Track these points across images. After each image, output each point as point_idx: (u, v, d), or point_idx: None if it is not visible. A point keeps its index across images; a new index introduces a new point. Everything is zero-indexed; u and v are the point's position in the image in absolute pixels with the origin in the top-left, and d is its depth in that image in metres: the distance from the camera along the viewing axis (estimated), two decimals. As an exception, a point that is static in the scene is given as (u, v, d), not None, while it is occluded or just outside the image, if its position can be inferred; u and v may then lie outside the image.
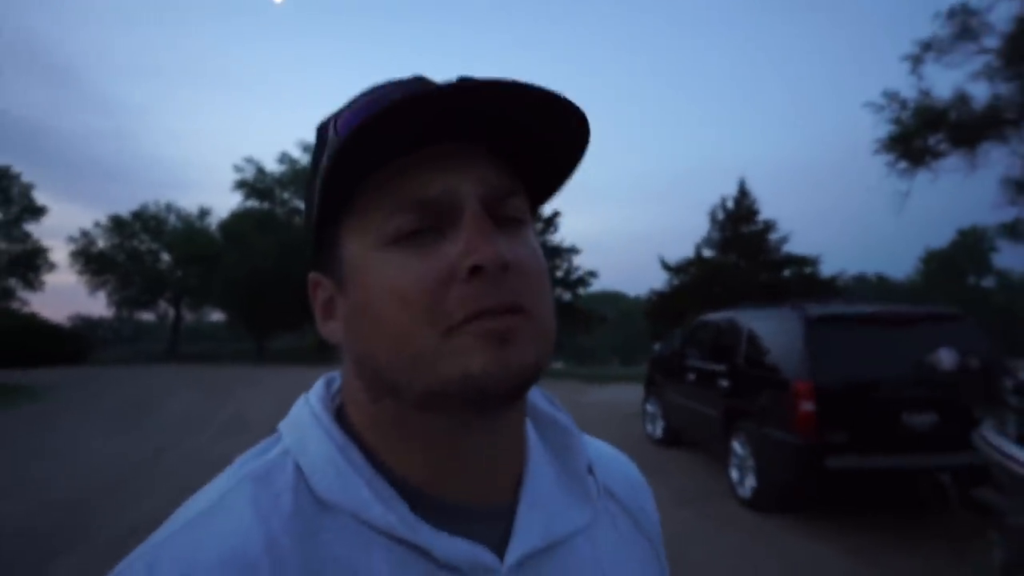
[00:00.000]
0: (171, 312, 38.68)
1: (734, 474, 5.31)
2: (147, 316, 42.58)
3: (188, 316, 41.67)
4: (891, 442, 4.43)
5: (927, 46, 14.79)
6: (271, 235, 30.11)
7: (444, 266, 0.41)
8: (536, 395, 0.54)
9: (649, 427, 7.89)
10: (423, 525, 0.42)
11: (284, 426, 0.48)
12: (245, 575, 0.38)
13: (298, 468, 0.44)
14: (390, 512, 0.42)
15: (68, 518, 4.81)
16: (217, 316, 42.46)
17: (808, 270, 20.09)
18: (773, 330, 5.28)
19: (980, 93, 15.21)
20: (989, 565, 3.14)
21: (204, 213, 38.41)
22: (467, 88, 0.39)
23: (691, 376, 6.54)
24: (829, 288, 18.77)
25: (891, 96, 15.45)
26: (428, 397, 0.41)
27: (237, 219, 33.30)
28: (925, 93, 15.26)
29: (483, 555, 0.43)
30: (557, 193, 0.50)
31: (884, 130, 15.56)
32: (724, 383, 5.70)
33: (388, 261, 0.42)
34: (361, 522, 0.42)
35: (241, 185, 33.67)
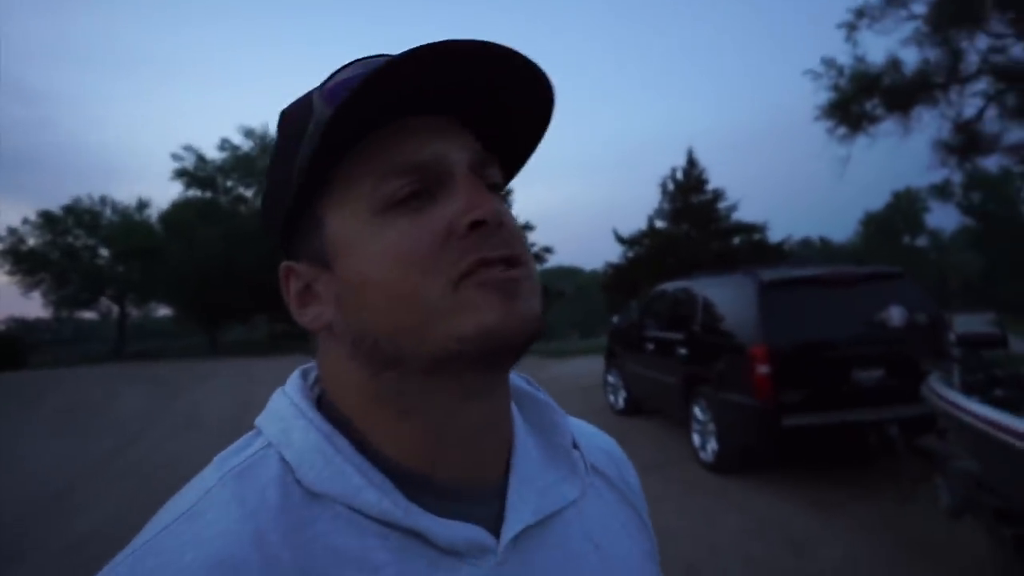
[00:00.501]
0: (115, 310, 37.08)
1: (696, 439, 5.44)
2: (89, 315, 40.75)
3: (134, 313, 40.05)
4: (843, 398, 4.61)
5: (860, 13, 15.21)
6: (215, 225, 29.07)
7: (442, 225, 0.41)
8: (513, 376, 0.54)
9: (611, 398, 8.02)
10: (417, 509, 0.42)
11: (262, 420, 0.46)
12: (235, 573, 0.37)
13: (283, 461, 0.43)
14: (384, 498, 0.41)
15: (5, 533, 4.57)
16: (164, 311, 41.01)
17: (756, 237, 20.65)
18: (727, 297, 5.39)
19: (911, 58, 15.79)
20: (936, 507, 3.32)
21: (143, 205, 36.69)
22: (461, 43, 0.39)
23: (650, 346, 6.65)
24: (777, 253, 19.37)
25: (829, 63, 15.88)
26: (442, 357, 0.41)
27: (179, 209, 31.98)
28: (860, 59, 15.74)
29: (480, 535, 0.43)
30: (522, 167, 0.52)
31: (823, 97, 16.02)
32: (682, 351, 5.81)
33: (383, 227, 0.42)
34: (354, 510, 0.41)
35: (181, 174, 32.23)
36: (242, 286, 28.28)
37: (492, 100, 0.45)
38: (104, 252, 35.98)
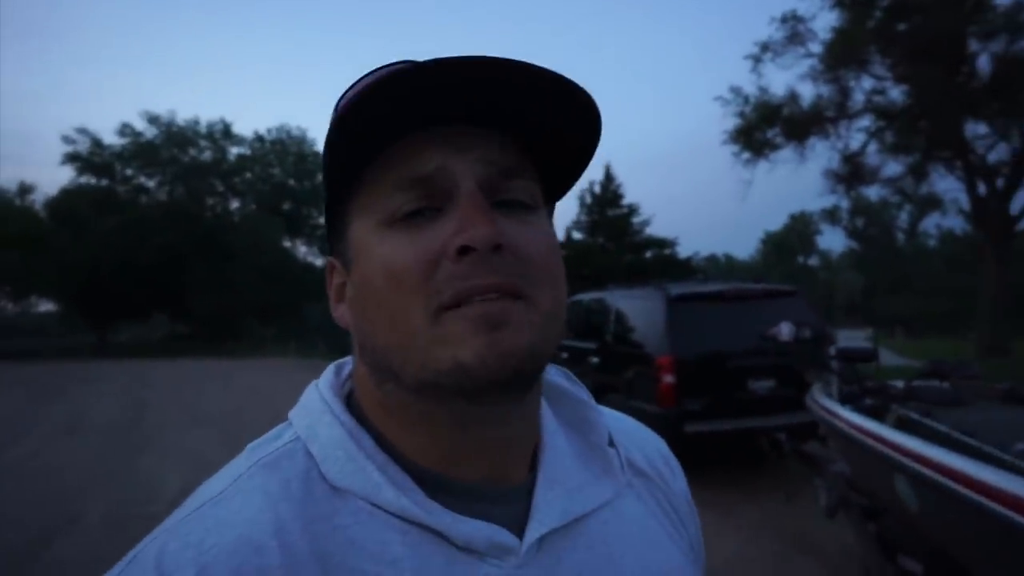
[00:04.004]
0: (-15, 304, 33.56)
1: (605, 444, 5.65)
2: (-47, 309, 36.60)
3: (8, 307, 36.42)
4: (739, 406, 4.97)
5: (765, 47, 16.33)
6: (113, 215, 27.02)
7: (436, 245, 0.40)
8: (551, 370, 0.54)
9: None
10: (438, 508, 0.42)
11: (294, 413, 0.48)
12: (254, 559, 0.38)
13: (309, 455, 0.44)
14: (403, 496, 0.41)
15: None
16: (47, 306, 37.56)
17: (667, 251, 21.66)
18: (639, 309, 5.66)
19: (808, 92, 17.05)
20: (816, 506, 3.65)
21: (25, 190, 33.57)
22: (470, 62, 0.38)
23: (563, 355, 6.83)
24: (686, 268, 20.39)
25: (736, 91, 16.93)
26: (422, 385, 0.41)
27: (69, 197, 29.45)
28: (763, 90, 16.90)
29: (501, 535, 0.43)
30: (575, 183, 0.49)
31: (731, 122, 17.03)
32: (594, 360, 6.03)
33: (386, 240, 0.42)
34: (375, 506, 0.42)
35: (73, 159, 29.75)
36: (141, 282, 26.42)
37: (528, 116, 0.42)
38: (-24, 240, 32.52)
